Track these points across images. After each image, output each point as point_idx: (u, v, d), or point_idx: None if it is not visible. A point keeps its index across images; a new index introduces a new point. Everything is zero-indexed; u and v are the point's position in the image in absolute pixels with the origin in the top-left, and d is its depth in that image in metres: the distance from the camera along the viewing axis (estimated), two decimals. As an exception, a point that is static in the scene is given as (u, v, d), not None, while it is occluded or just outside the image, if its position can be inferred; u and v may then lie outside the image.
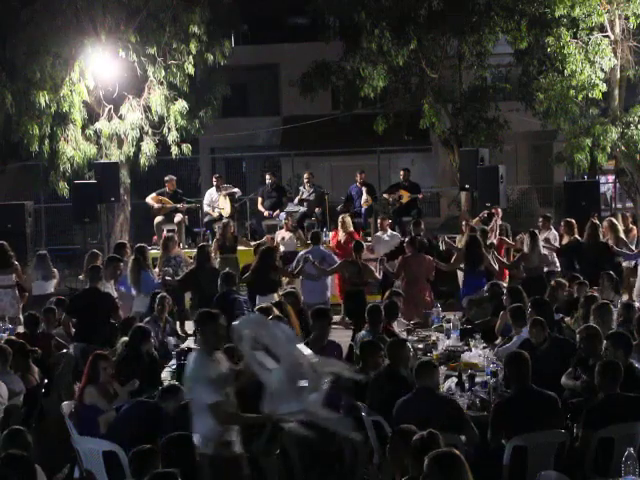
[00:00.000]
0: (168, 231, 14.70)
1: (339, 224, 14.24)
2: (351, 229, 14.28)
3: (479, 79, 20.94)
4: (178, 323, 11.69)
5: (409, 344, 7.72)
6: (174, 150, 18.05)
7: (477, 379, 7.62)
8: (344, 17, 19.93)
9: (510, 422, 6.24)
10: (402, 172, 16.68)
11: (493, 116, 19.86)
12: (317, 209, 15.96)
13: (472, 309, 10.49)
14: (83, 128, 17.42)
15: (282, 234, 14.51)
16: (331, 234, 14.81)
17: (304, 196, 16.24)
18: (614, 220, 12.93)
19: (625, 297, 11.44)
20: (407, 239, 12.38)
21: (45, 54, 16.66)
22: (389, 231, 14.53)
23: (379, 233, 14.59)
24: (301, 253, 12.55)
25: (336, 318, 11.92)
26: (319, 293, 12.04)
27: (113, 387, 7.39)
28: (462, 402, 7.18)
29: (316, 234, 12.93)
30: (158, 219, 15.44)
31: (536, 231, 12.58)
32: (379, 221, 14.76)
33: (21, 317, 10.96)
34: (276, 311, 8.99)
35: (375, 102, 21.60)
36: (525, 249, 12.20)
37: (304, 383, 5.22)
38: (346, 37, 19.72)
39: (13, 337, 9.34)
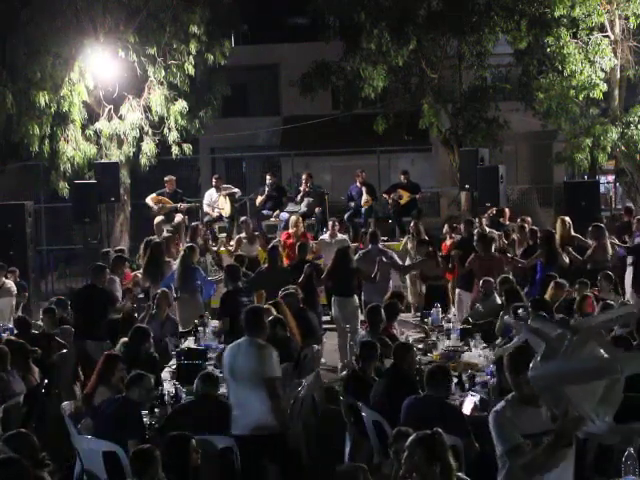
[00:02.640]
0: (168, 231, 14.67)
1: (291, 223, 13.87)
2: (302, 230, 13.86)
3: (479, 79, 20.89)
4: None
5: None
6: (174, 150, 18.06)
7: (477, 379, 7.62)
8: (344, 17, 19.91)
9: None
10: (402, 175, 16.65)
11: (493, 116, 19.82)
12: (317, 209, 15.94)
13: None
14: (83, 128, 17.42)
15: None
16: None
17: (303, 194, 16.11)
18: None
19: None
20: (477, 236, 11.83)
21: (45, 54, 16.66)
22: (338, 235, 13.94)
23: (325, 236, 14.08)
24: (362, 252, 12.10)
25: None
26: (382, 293, 11.20)
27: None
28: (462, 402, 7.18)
29: (374, 233, 12.36)
30: (158, 219, 15.42)
31: (601, 225, 12.33)
32: (330, 223, 14.18)
33: None
34: (274, 311, 9.00)
35: (375, 102, 21.57)
36: (595, 242, 12.01)
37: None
38: (346, 37, 19.69)
39: (13, 337, 9.36)
